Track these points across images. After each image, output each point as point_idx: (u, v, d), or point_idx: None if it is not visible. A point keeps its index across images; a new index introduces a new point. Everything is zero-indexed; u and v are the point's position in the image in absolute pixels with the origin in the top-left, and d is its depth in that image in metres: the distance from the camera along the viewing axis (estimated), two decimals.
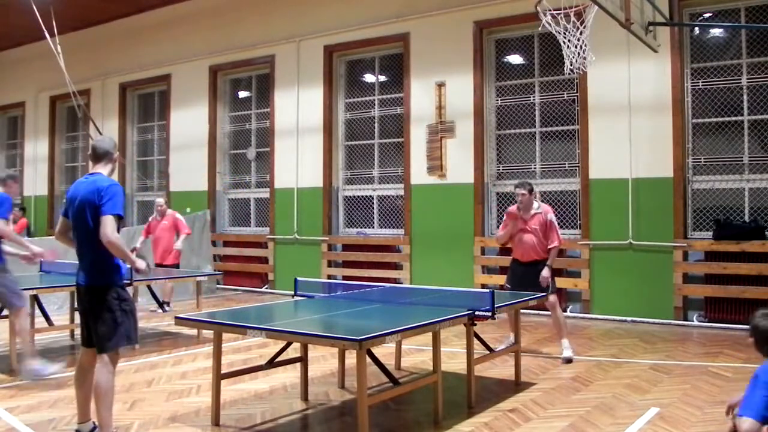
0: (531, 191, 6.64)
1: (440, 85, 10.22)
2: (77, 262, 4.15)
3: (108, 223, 3.87)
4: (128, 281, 6.84)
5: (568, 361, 6.37)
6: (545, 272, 6.47)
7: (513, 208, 6.82)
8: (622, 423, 4.49)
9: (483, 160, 9.91)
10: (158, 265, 9.24)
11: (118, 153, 4.29)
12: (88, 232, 3.97)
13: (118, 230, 3.96)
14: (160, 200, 9.88)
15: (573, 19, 6.40)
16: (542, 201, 9.55)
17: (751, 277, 7.99)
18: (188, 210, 12.29)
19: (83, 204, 3.99)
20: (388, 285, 7.67)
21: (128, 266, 4.41)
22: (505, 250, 9.05)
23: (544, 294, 6.17)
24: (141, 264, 4.24)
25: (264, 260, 12.04)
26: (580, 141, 9.18)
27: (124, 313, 4.02)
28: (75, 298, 7.26)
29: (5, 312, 6.36)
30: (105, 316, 3.96)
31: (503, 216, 7.10)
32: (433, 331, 4.46)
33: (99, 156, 4.18)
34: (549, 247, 6.58)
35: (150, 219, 9.79)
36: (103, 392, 3.90)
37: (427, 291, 6.34)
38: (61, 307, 8.66)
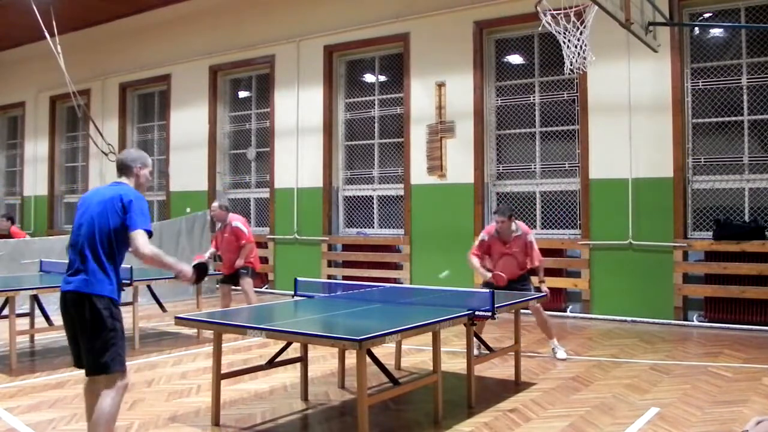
0: (510, 217, 6.53)
1: (440, 85, 10.22)
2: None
3: (140, 238, 3.57)
4: (128, 281, 6.88)
5: (563, 359, 6.48)
6: (544, 288, 6.51)
7: (491, 229, 6.70)
8: (622, 423, 4.49)
9: (483, 160, 9.91)
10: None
11: (145, 166, 3.90)
12: (102, 235, 3.59)
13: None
14: (215, 204, 8.30)
15: (573, 19, 6.40)
16: (542, 201, 9.61)
17: (751, 277, 7.99)
18: (188, 210, 12.29)
19: (103, 205, 3.62)
20: (388, 285, 7.66)
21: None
22: None
23: (544, 294, 6.27)
24: (187, 270, 3.88)
25: (264, 260, 12.03)
26: (580, 141, 9.18)
27: (116, 332, 3.57)
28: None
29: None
30: (100, 332, 3.52)
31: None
32: (433, 331, 4.46)
33: (120, 170, 3.90)
34: (533, 267, 6.57)
35: (217, 228, 8.36)
36: (101, 420, 3.46)
37: (427, 291, 6.34)
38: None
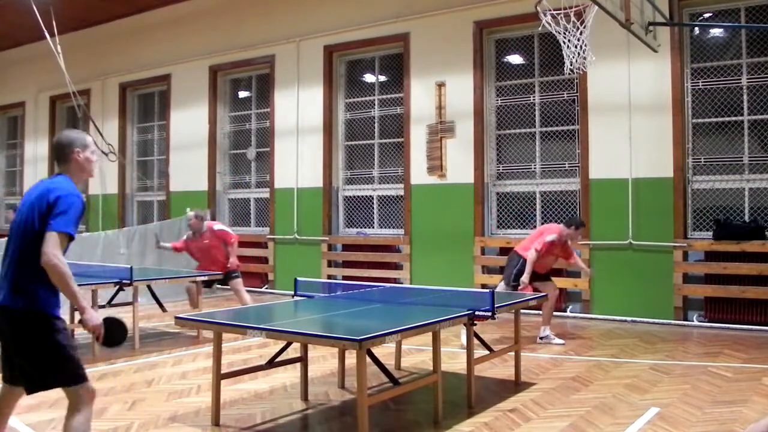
0: None
1: (440, 85, 10.22)
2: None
3: (51, 241, 3.03)
4: (128, 281, 6.88)
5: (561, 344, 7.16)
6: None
7: (563, 235, 7.27)
8: (622, 423, 4.49)
9: (483, 160, 9.91)
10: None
11: (84, 149, 3.32)
12: (28, 243, 3.13)
13: (65, 252, 3.15)
14: (191, 213, 8.43)
15: (573, 19, 6.41)
16: (542, 201, 9.63)
17: (751, 277, 7.99)
18: (188, 210, 12.28)
19: (31, 208, 3.17)
20: (388, 285, 7.67)
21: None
22: (504, 251, 9.05)
23: (544, 294, 6.33)
24: (90, 316, 3.26)
25: (264, 260, 12.04)
26: (580, 141, 9.18)
27: (64, 348, 3.18)
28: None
29: None
30: (41, 350, 3.13)
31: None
32: (433, 331, 4.46)
33: (57, 156, 3.31)
34: (572, 260, 7.59)
35: (185, 237, 8.58)
36: None
37: (427, 291, 6.34)
38: (59, 307, 8.63)
